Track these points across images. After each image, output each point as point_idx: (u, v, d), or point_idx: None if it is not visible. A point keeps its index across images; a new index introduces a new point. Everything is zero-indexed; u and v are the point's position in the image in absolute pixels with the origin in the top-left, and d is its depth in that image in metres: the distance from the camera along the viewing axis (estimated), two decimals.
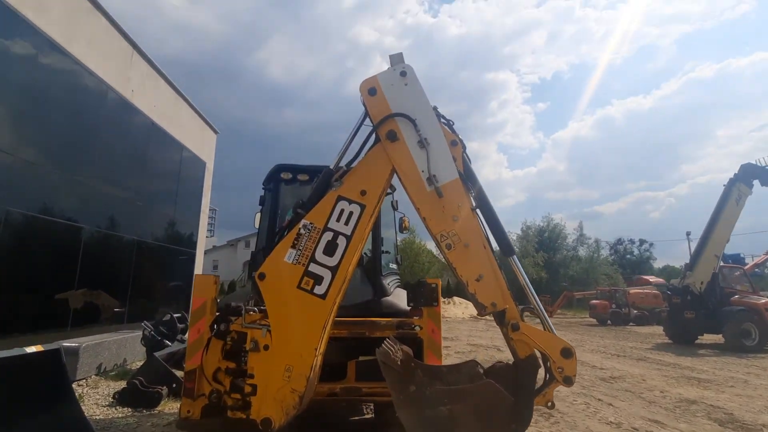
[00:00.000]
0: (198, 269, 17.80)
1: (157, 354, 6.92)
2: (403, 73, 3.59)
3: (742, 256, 21.14)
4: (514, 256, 3.43)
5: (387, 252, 5.19)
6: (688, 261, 16.54)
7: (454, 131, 3.69)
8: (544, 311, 3.33)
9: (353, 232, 3.51)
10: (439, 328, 4.14)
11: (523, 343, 3.18)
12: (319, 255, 3.49)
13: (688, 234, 42.20)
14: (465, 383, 3.64)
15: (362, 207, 3.55)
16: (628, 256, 68.35)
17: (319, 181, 3.82)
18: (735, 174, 16.00)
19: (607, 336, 18.21)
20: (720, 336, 14.34)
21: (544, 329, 3.26)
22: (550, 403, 3.14)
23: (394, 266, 5.29)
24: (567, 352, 3.10)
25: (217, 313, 3.91)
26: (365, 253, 5.08)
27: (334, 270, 3.44)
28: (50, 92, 8.98)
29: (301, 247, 3.54)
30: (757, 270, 21.25)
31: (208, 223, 23.52)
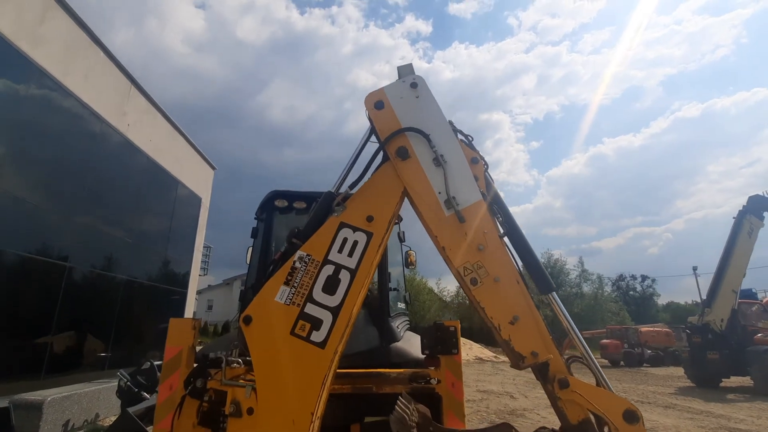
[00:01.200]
0: (189, 309, 16.91)
1: (132, 409, 6.08)
2: (413, 85, 3.16)
3: (754, 291, 20.42)
4: (554, 293, 2.84)
5: (395, 290, 4.57)
6: (693, 298, 15.84)
7: (474, 148, 3.21)
8: (596, 362, 2.69)
9: (358, 265, 2.94)
10: (460, 381, 3.45)
11: (575, 405, 2.52)
12: (318, 293, 2.90)
13: (695, 269, 41.41)
14: None
15: (369, 235, 3.01)
16: (631, 292, 67.05)
17: (318, 205, 3.30)
18: (744, 206, 15.64)
19: (623, 379, 17.07)
20: (746, 378, 13.34)
21: (598, 385, 2.62)
22: None
23: (403, 306, 4.65)
24: (632, 416, 2.44)
25: (195, 365, 3.24)
26: (370, 291, 4.46)
27: (335, 311, 2.84)
28: (40, 124, 8.64)
29: (296, 284, 2.95)
30: None
31: (202, 261, 22.79)
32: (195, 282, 18.46)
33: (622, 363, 24.42)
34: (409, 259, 5.32)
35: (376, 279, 4.41)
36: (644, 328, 28.23)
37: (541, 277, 2.84)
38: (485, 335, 35.28)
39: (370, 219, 3.02)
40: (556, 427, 2.65)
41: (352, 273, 2.93)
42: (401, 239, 5.11)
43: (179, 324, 3.44)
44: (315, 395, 2.66)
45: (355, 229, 3.03)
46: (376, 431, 3.21)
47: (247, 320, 2.90)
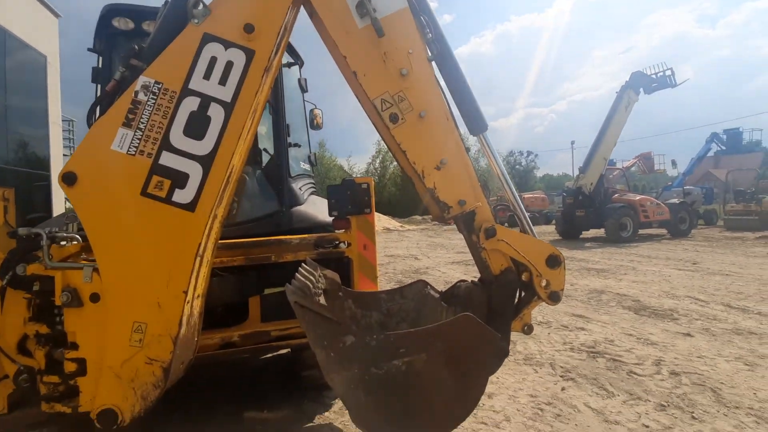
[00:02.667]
0: (60, 194, 14.28)
1: None
2: None
3: (614, 160, 23.79)
4: (485, 134, 2.36)
5: (297, 145, 3.79)
6: (564, 171, 17.95)
7: None
8: (523, 208, 2.42)
9: (236, 97, 2.08)
10: (373, 243, 3.08)
11: (499, 254, 2.27)
12: (178, 137, 2.04)
13: (572, 143, 46.79)
14: (415, 314, 2.75)
15: (249, 54, 2.10)
16: (518, 166, 75.30)
17: (169, 8, 2.20)
18: (626, 81, 16.93)
19: None
20: (601, 230, 16.19)
21: (522, 232, 2.38)
22: (526, 327, 2.37)
23: (307, 167, 3.96)
24: (554, 260, 2.27)
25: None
26: (264, 149, 3.63)
27: (206, 162, 2.05)
28: None
29: (142, 126, 2.02)
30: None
31: (65, 138, 18.75)
32: (59, 162, 15.26)
33: (506, 224, 28.15)
34: (315, 120, 4.46)
35: (271, 132, 3.55)
36: (526, 195, 32.36)
37: (474, 114, 2.30)
38: (393, 208, 37.42)
39: (249, 29, 2.07)
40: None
41: (228, 108, 2.08)
42: (303, 88, 4.15)
43: None
44: (186, 270, 2.01)
45: (227, 45, 2.07)
46: (277, 303, 2.78)
47: (70, 179, 1.98)
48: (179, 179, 2.04)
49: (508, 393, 3.47)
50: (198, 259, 2.09)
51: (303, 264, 2.47)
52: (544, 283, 2.28)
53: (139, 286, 1.98)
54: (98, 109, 2.34)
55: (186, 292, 2.00)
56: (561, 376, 3.76)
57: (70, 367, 1.99)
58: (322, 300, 2.52)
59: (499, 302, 2.25)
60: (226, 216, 2.72)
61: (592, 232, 17.16)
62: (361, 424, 1.80)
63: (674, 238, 15.49)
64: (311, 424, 3.06)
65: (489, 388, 3.57)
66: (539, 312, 5.87)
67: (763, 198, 17.92)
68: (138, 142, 2.02)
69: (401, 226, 26.82)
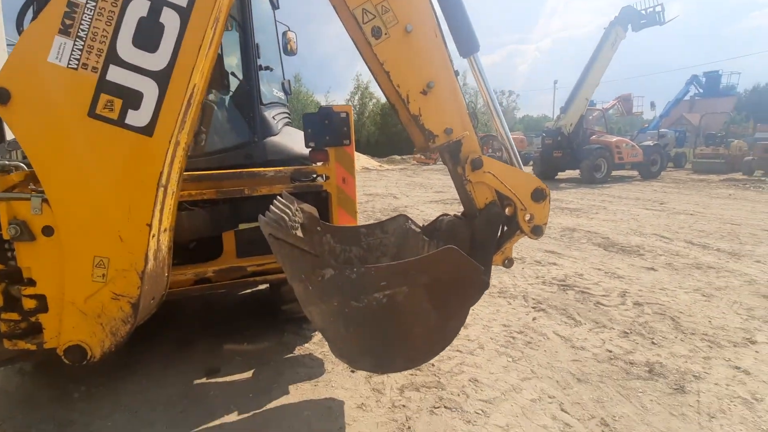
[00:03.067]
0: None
1: None
2: None
3: (594, 102, 23.64)
4: (476, 55, 2.16)
5: (269, 68, 3.45)
6: (544, 113, 17.73)
7: None
8: (511, 138, 2.30)
9: (192, 1, 1.78)
10: (352, 176, 2.94)
11: (484, 187, 2.18)
12: (126, 48, 1.76)
13: (555, 82, 46.01)
14: (396, 249, 2.70)
15: None
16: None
17: None
18: (615, 17, 16.27)
19: None
20: (576, 171, 16.46)
21: (510, 164, 2.29)
22: (507, 261, 2.38)
23: (281, 95, 3.65)
24: (539, 194, 2.21)
25: None
26: (232, 73, 3.29)
27: (162, 79, 1.80)
28: None
29: (82, 34, 1.73)
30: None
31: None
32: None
33: None
34: (288, 45, 4.04)
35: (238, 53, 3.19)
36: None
37: (465, 30, 2.08)
38: (372, 148, 36.70)
39: None
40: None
41: (184, 15, 1.79)
42: (274, 4, 3.70)
43: None
44: (148, 201, 1.84)
45: None
46: (253, 238, 2.67)
47: (2, 97, 1.70)
48: (132, 98, 1.79)
49: (482, 323, 3.61)
50: (161, 189, 1.91)
51: (278, 197, 2.33)
52: (527, 217, 2.24)
53: (97, 219, 1.81)
54: (30, 11, 1.99)
55: (150, 225, 1.85)
56: (533, 308, 3.92)
57: (29, 303, 1.86)
58: (299, 234, 2.43)
59: (482, 236, 2.21)
60: (192, 145, 2.51)
61: (567, 173, 17.45)
62: (341, 355, 1.81)
63: (644, 180, 15.96)
64: (291, 355, 3.12)
65: None
66: (514, 248, 6.02)
67: (732, 141, 18.43)
68: (79, 53, 1.73)
69: (380, 166, 26.52)
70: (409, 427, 2.32)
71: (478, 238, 2.21)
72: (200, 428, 2.34)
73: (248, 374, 2.87)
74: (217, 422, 2.40)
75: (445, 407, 2.49)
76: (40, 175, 1.76)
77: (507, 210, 2.29)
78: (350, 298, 1.72)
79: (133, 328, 1.91)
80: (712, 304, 3.92)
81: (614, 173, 16.26)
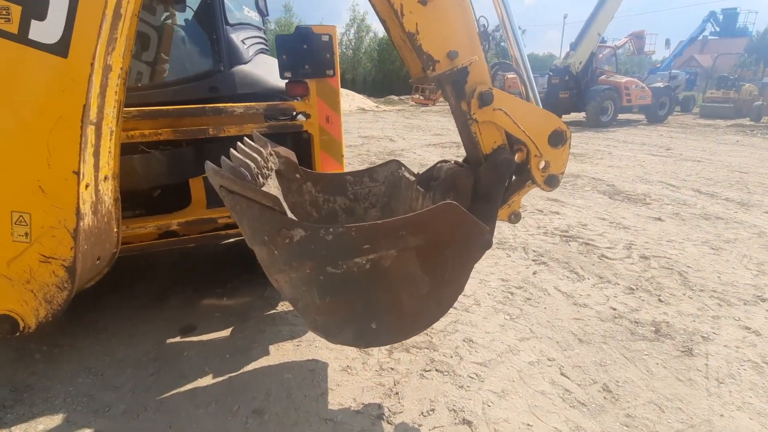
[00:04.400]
0: None
1: None
2: None
3: (604, 39, 22.16)
4: None
5: None
6: (550, 51, 16.51)
7: None
8: (529, 67, 1.88)
9: None
10: (338, 113, 2.52)
11: (493, 128, 1.81)
12: None
13: (565, 16, 43.10)
14: (386, 199, 2.37)
15: None
16: (503, 44, 69.91)
17: None
18: None
19: None
20: (581, 114, 15.73)
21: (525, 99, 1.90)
22: (513, 216, 2.07)
23: (253, 15, 3.07)
24: (558, 137, 1.86)
25: None
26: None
27: None
28: None
29: None
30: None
31: None
32: None
33: None
34: None
35: None
36: (509, 75, 30.71)
37: None
38: (368, 87, 34.97)
39: None
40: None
41: None
42: None
43: None
44: (72, 144, 1.46)
45: None
46: None
47: None
48: (34, 5, 1.35)
49: (479, 277, 3.39)
50: (90, 127, 1.53)
51: (245, 139, 1.95)
52: (542, 165, 1.89)
53: (8, 165, 1.45)
54: None
55: (78, 173, 1.49)
56: (533, 260, 3.69)
57: None
58: (272, 184, 2.08)
59: (487, 187, 1.88)
60: (152, 76, 2.07)
61: (572, 116, 16.72)
62: (316, 328, 1.55)
63: (650, 124, 15.35)
64: (274, 311, 2.90)
65: None
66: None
67: (743, 85, 17.54)
68: None
69: (377, 107, 25.39)
70: (397, 393, 2.15)
71: (482, 190, 1.88)
72: (170, 393, 2.16)
73: (226, 332, 2.67)
74: (189, 386, 2.21)
75: (436, 370, 2.31)
76: None
77: (517, 156, 1.94)
78: (326, 263, 1.42)
79: (72, 294, 1.62)
80: (722, 258, 3.71)
81: (620, 117, 15.58)
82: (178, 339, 2.61)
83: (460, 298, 3.04)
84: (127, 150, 2.32)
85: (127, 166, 2.15)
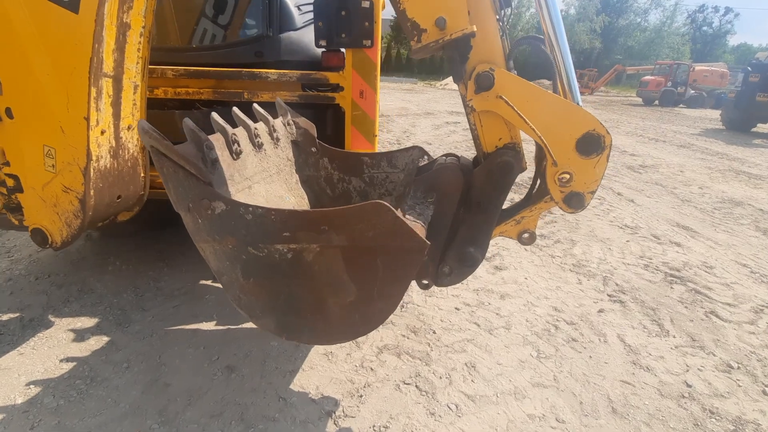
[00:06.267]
0: None
1: None
2: None
3: None
4: None
5: None
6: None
7: None
8: (566, 47, 1.42)
9: None
10: (374, 89, 2.34)
11: (497, 120, 1.43)
12: None
13: None
14: (403, 188, 2.15)
15: None
16: (705, 28, 56.29)
17: None
18: None
19: (649, 117, 15.95)
20: None
21: (555, 92, 1.44)
22: (526, 235, 1.64)
23: None
24: (591, 143, 1.38)
25: None
26: None
27: None
28: None
29: None
30: None
31: None
32: None
33: (656, 102, 22.63)
34: None
35: None
36: (699, 66, 24.73)
37: None
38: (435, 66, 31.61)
39: None
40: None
41: None
42: None
43: None
44: (81, 92, 1.65)
45: None
46: None
47: None
48: None
49: (527, 298, 2.90)
50: (106, 80, 1.71)
51: (254, 105, 1.95)
52: (564, 177, 1.44)
53: (40, 105, 1.72)
54: None
55: (87, 119, 1.69)
56: (608, 296, 2.98)
57: (9, 182, 1.95)
58: (281, 153, 2.06)
59: (480, 194, 1.52)
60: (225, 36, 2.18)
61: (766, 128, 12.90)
62: (240, 306, 1.50)
63: None
64: None
65: (506, 287, 3.04)
66: (634, 213, 4.67)
67: None
68: None
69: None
70: (362, 396, 2.00)
71: (475, 196, 1.53)
72: (177, 327, 2.41)
73: None
74: (193, 326, 2.44)
75: (416, 386, 2.07)
76: None
77: (543, 164, 1.51)
78: (246, 243, 1.33)
79: (86, 223, 1.89)
80: None
81: None
82: (208, 282, 2.89)
83: (492, 315, 2.68)
84: (181, 107, 2.58)
85: (169, 120, 2.38)
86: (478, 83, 1.36)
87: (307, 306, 1.40)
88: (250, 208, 1.29)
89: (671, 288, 3.13)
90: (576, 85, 1.44)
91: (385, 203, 1.19)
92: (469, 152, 7.69)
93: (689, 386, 2.15)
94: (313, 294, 1.37)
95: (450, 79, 26.41)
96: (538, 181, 1.61)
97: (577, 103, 1.43)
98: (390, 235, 1.21)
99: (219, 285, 2.86)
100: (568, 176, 1.44)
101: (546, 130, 1.36)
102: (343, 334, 1.51)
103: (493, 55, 1.37)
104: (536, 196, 1.59)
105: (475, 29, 1.30)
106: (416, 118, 11.37)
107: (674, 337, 2.55)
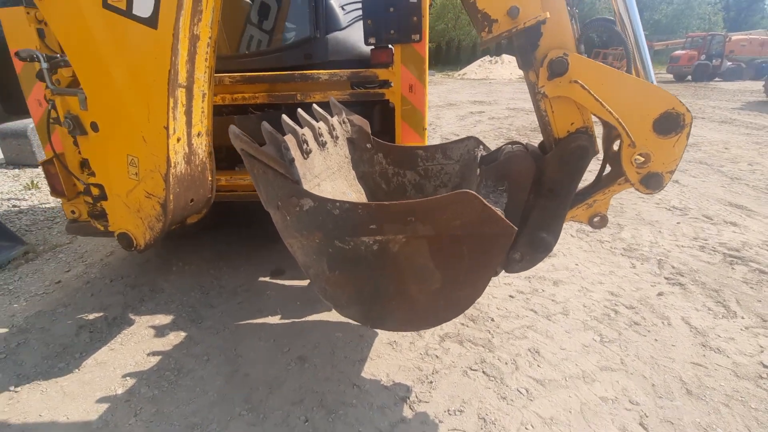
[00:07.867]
0: None
1: None
2: None
3: None
4: None
5: None
6: None
7: None
8: (639, 25, 1.41)
9: None
10: (423, 84, 2.37)
11: (570, 105, 1.45)
12: None
13: None
14: (459, 179, 2.18)
15: None
16: None
17: None
18: None
19: (683, 94, 15.24)
20: None
21: (628, 71, 1.44)
22: (597, 218, 1.65)
23: None
24: (669, 122, 1.38)
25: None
26: None
27: None
28: None
29: None
30: None
31: None
32: None
33: (688, 78, 21.53)
34: None
35: None
36: (736, 36, 23.37)
37: None
38: None
39: None
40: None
41: None
42: None
43: (9, 14, 2.34)
44: (161, 103, 1.75)
45: None
46: None
47: None
48: None
49: (581, 284, 2.88)
50: (181, 90, 1.81)
51: (314, 106, 2.02)
52: (640, 159, 1.44)
53: (123, 117, 1.83)
54: None
55: (167, 128, 1.79)
56: (666, 278, 2.92)
57: (94, 191, 2.10)
58: (340, 151, 2.13)
59: (552, 180, 1.53)
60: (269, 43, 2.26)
61: None
62: (326, 297, 1.57)
63: None
64: None
65: (558, 273, 3.03)
66: (680, 194, 4.53)
67: None
68: None
69: None
70: (432, 382, 2.06)
71: (546, 183, 1.55)
72: (246, 322, 2.54)
73: (304, 283, 2.94)
74: (261, 320, 2.56)
75: (483, 372, 2.11)
76: (75, 69, 1.82)
77: (615, 144, 1.52)
78: (333, 236, 1.40)
79: (166, 226, 2.01)
80: None
81: None
82: (267, 279, 3.01)
83: (548, 301, 2.68)
84: (235, 112, 2.68)
85: (225, 125, 2.48)
86: (552, 69, 1.37)
87: (391, 295, 1.46)
88: (338, 204, 1.35)
89: (732, 269, 3.03)
90: (650, 64, 1.43)
91: (472, 192, 1.23)
92: (496, 141, 7.59)
93: (766, 367, 2.10)
94: (398, 283, 1.43)
95: (468, 69, 26.16)
96: (608, 165, 1.61)
97: (651, 80, 1.43)
98: (478, 222, 1.25)
99: (277, 281, 2.98)
100: (644, 156, 1.43)
101: (623, 112, 1.36)
102: (427, 321, 1.57)
103: (565, 40, 1.38)
104: (608, 178, 1.59)
105: (548, 15, 1.32)
106: (439, 110, 11.29)
107: (743, 318, 2.48)
